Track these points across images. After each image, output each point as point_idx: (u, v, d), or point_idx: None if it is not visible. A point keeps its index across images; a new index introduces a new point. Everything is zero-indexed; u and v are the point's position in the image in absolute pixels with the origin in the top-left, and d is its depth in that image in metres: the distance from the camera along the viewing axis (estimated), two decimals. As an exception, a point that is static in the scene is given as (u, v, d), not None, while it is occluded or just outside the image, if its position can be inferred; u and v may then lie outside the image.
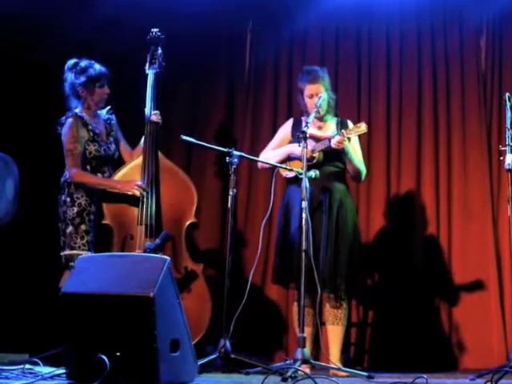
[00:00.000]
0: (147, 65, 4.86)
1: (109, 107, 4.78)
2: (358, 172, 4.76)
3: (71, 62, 4.68)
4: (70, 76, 4.65)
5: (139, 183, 4.59)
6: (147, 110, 4.77)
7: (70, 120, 4.59)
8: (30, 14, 5.73)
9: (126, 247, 4.56)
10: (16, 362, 4.16)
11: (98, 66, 4.67)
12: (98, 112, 4.74)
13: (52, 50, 5.78)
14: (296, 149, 4.54)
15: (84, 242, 4.51)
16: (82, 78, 4.62)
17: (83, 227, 4.53)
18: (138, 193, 4.57)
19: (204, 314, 4.54)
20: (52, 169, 5.40)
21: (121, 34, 5.85)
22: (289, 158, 4.71)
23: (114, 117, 4.80)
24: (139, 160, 4.70)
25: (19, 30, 5.81)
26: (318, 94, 4.65)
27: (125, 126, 5.03)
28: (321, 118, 4.74)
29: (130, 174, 4.67)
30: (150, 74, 4.84)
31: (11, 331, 5.18)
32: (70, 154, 4.56)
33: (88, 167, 4.61)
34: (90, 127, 4.61)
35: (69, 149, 4.56)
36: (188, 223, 4.67)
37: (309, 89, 4.69)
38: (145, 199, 4.58)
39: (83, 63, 4.66)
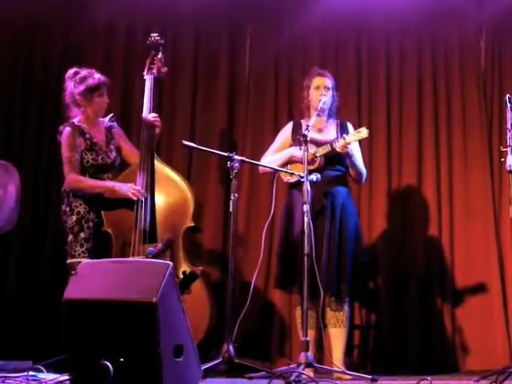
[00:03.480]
0: (146, 69, 4.85)
1: (111, 115, 4.76)
2: (359, 174, 4.80)
3: (71, 71, 4.65)
4: (70, 85, 4.63)
5: (136, 187, 4.57)
6: (144, 113, 4.76)
7: (67, 129, 4.60)
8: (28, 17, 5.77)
9: (125, 254, 4.54)
10: (19, 369, 4.15)
11: (97, 75, 4.62)
12: (100, 119, 4.72)
13: (52, 55, 5.82)
14: (297, 152, 4.55)
15: (83, 249, 4.51)
16: (81, 88, 4.59)
17: (82, 235, 4.53)
18: (134, 197, 4.54)
19: (202, 318, 4.49)
20: (56, 177, 5.44)
21: (120, 39, 5.88)
22: (290, 162, 4.72)
23: (115, 124, 4.78)
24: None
25: (17, 34, 5.85)
26: (324, 87, 4.75)
27: (129, 131, 5.05)
28: (321, 120, 4.75)
29: (128, 178, 4.64)
30: (149, 78, 4.83)
31: (14, 338, 5.19)
32: (67, 162, 4.58)
33: (87, 175, 4.61)
34: (87, 136, 4.61)
35: (66, 156, 4.58)
36: (185, 227, 4.63)
37: (317, 80, 4.81)
38: (140, 204, 4.56)
39: (83, 72, 4.62)
